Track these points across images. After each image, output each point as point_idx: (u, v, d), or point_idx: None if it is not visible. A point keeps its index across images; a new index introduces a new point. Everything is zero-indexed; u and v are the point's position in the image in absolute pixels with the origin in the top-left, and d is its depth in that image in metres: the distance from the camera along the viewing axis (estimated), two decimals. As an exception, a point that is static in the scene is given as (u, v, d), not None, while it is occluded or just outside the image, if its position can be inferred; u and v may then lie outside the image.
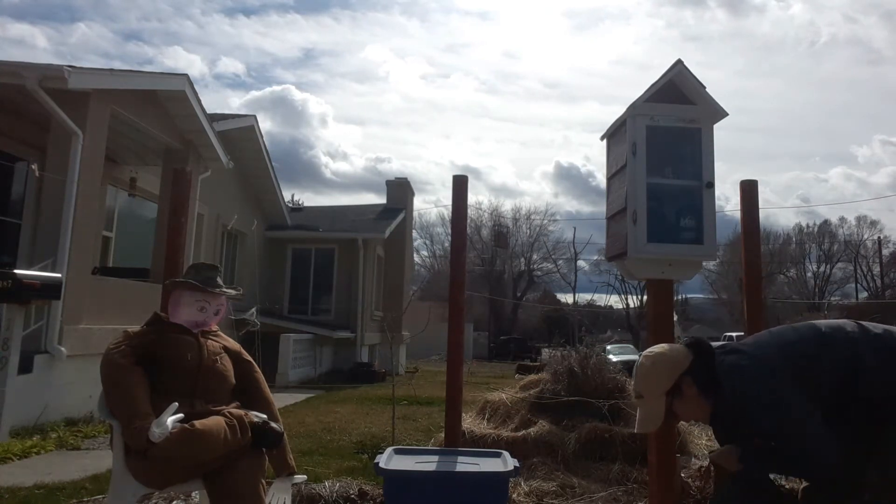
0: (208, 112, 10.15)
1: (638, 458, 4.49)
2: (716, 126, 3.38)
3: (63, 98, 7.05)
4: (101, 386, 2.56)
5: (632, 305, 51.07)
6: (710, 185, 3.28)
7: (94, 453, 5.70)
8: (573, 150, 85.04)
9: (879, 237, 44.48)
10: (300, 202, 25.61)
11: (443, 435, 4.00)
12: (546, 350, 24.81)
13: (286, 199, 17.61)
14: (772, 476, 2.42)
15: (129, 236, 11.28)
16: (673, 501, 3.32)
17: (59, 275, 6.65)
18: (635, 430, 2.37)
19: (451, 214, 4.04)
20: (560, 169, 79.44)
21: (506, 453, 2.60)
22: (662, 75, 3.36)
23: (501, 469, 2.43)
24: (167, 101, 9.27)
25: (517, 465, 2.42)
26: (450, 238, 4.09)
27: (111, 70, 7.76)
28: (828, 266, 50.05)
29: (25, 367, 6.48)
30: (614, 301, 52.22)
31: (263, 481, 2.57)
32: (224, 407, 2.60)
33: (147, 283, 8.91)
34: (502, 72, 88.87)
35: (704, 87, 3.35)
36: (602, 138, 3.73)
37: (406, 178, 20.22)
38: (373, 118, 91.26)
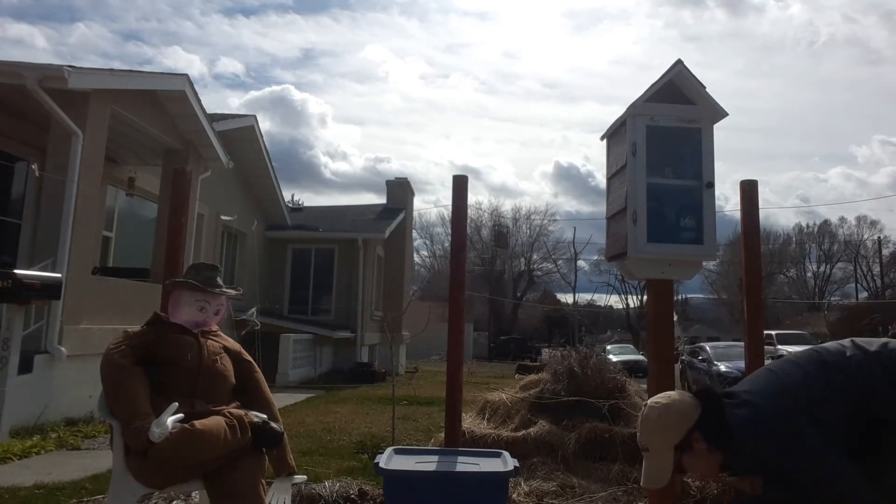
0: (208, 112, 10.15)
1: (638, 459, 4.46)
2: (715, 126, 3.38)
3: (63, 98, 7.04)
4: (101, 386, 2.56)
5: (632, 305, 51.12)
6: (710, 185, 3.28)
7: (94, 453, 5.70)
8: (573, 150, 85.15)
9: (879, 237, 44.48)
10: (300, 202, 25.65)
11: (443, 435, 4.00)
12: (546, 350, 24.79)
13: (286, 199, 17.61)
14: None
15: (129, 236, 11.28)
16: (673, 501, 3.32)
17: (59, 275, 6.65)
18: (642, 484, 2.24)
19: (451, 214, 4.04)
20: (559, 169, 79.53)
21: (506, 453, 2.60)
22: (662, 75, 3.36)
23: (501, 469, 2.42)
24: (167, 101, 9.27)
25: (517, 465, 2.41)
26: (450, 238, 4.09)
27: (111, 70, 7.76)
28: (828, 266, 50.09)
29: (25, 367, 6.48)
30: (614, 301, 52.29)
31: (263, 481, 2.57)
32: (224, 407, 2.60)
33: (147, 283, 8.91)
34: (502, 72, 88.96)
35: (704, 87, 3.35)
36: (602, 138, 3.73)
37: (406, 178, 20.24)
38: (372, 118, 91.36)
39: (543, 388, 5.32)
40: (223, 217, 13.27)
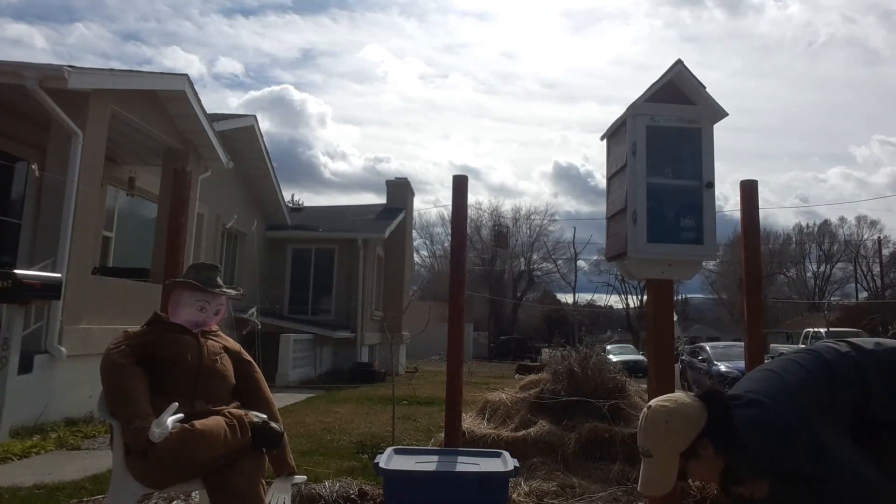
0: (208, 112, 10.15)
1: (638, 458, 4.47)
2: (715, 126, 3.37)
3: (63, 98, 7.04)
4: (101, 386, 2.56)
5: (632, 305, 51.12)
6: (710, 185, 3.28)
7: (94, 453, 5.70)
8: (572, 151, 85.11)
9: (879, 237, 44.51)
10: (300, 202, 25.62)
11: (443, 435, 4.00)
12: (546, 350, 24.79)
13: (286, 199, 17.61)
14: None
15: (129, 236, 11.27)
16: (673, 501, 3.32)
17: (59, 275, 6.65)
18: (639, 490, 2.12)
19: (451, 214, 4.04)
20: (559, 169, 79.51)
21: (506, 453, 2.60)
22: (662, 75, 3.36)
23: (501, 469, 2.42)
24: (167, 101, 9.27)
25: (517, 465, 2.41)
26: (450, 238, 4.09)
27: (111, 70, 7.75)
28: (828, 266, 50.10)
29: (25, 367, 6.48)
30: (614, 301, 52.28)
31: (263, 481, 2.57)
32: (224, 407, 2.60)
33: (147, 283, 8.91)
34: (501, 72, 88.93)
35: (704, 87, 3.35)
36: (602, 138, 3.73)
37: (406, 178, 20.23)
38: (371, 118, 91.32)
39: (543, 388, 5.32)
40: (224, 223, 13.27)
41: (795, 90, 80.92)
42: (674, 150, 3.33)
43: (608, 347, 20.44)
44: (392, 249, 18.61)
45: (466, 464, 2.53)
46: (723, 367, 13.75)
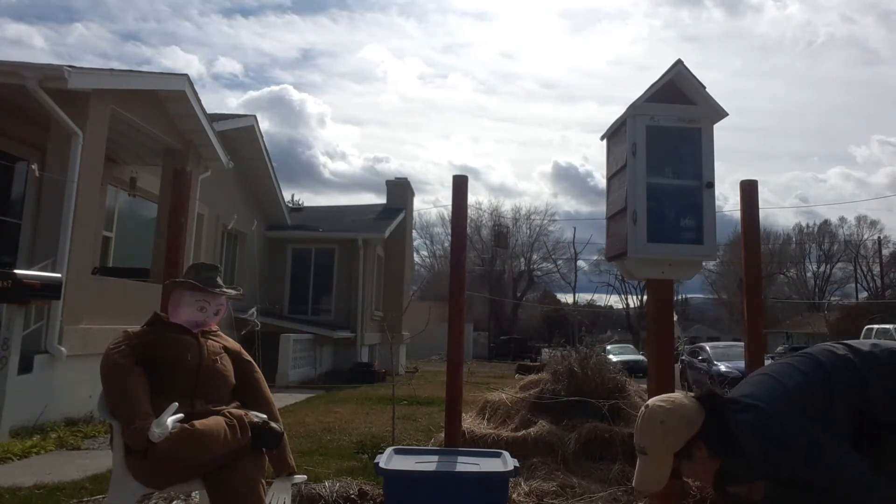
0: (207, 112, 10.15)
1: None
2: (714, 126, 3.37)
3: (63, 98, 7.04)
4: (101, 386, 2.56)
5: (632, 305, 51.13)
6: (710, 185, 3.29)
7: (94, 453, 5.70)
8: (571, 151, 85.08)
9: (879, 237, 44.52)
10: (300, 202, 25.63)
11: (443, 435, 4.00)
12: (546, 350, 24.79)
13: (286, 199, 17.62)
14: None
15: (129, 236, 11.27)
16: (673, 501, 3.32)
17: (59, 275, 6.65)
18: (634, 486, 2.19)
19: (450, 214, 4.04)
20: (558, 169, 79.50)
21: (506, 453, 2.60)
22: (662, 75, 3.36)
23: (501, 469, 2.42)
24: (167, 101, 9.27)
25: (517, 465, 2.41)
26: (450, 238, 4.09)
27: (111, 70, 7.75)
28: (828, 266, 50.10)
29: (25, 367, 6.48)
30: (614, 301, 52.29)
31: (263, 481, 2.57)
32: (224, 407, 2.60)
33: (147, 283, 8.91)
34: (500, 72, 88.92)
35: (704, 87, 3.35)
36: (602, 138, 3.73)
37: (406, 178, 20.23)
38: (371, 118, 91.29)
39: (543, 388, 5.32)
40: (224, 223, 13.27)
41: (795, 90, 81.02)
42: (674, 150, 3.33)
43: (608, 347, 20.45)
44: (392, 249, 18.61)
45: (466, 464, 2.53)
46: (723, 367, 13.75)
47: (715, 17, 79.72)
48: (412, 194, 19.99)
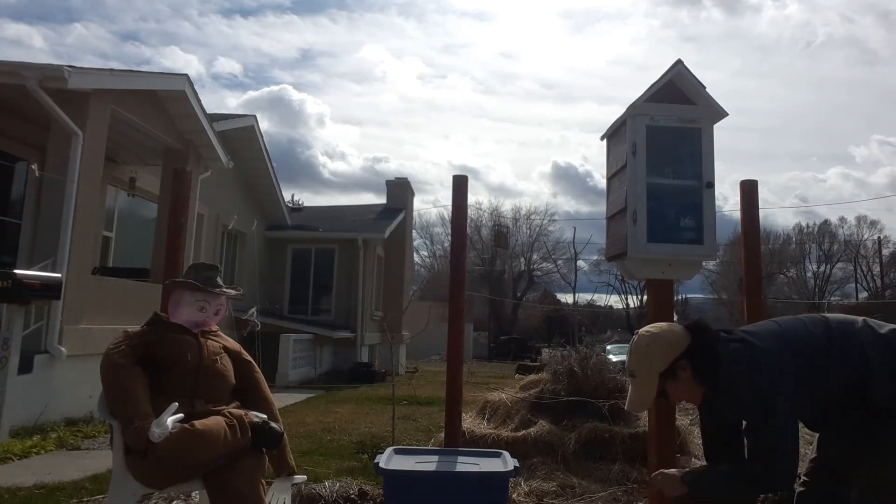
0: (207, 112, 10.15)
1: (638, 458, 4.49)
2: (714, 126, 3.37)
3: (63, 98, 7.04)
4: (101, 386, 2.56)
5: (632, 305, 51.10)
6: (710, 185, 3.28)
7: (94, 453, 5.70)
8: (571, 151, 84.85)
9: (879, 237, 44.51)
10: (300, 202, 25.62)
11: (443, 435, 4.00)
12: (546, 350, 24.78)
13: (286, 199, 17.62)
14: None
15: (129, 236, 11.28)
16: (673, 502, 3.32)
17: (59, 275, 6.65)
18: (625, 408, 2.34)
19: (451, 214, 4.04)
20: (558, 169, 79.28)
21: (506, 453, 2.60)
22: (662, 75, 3.36)
23: (501, 469, 2.42)
24: (167, 101, 9.27)
25: (517, 465, 2.41)
26: (450, 238, 4.09)
27: (111, 70, 7.76)
28: (828, 266, 50.05)
29: (25, 367, 6.48)
30: (614, 301, 52.25)
31: (263, 481, 2.57)
32: (224, 407, 2.60)
33: (147, 283, 8.92)
34: (499, 72, 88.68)
35: (704, 87, 3.35)
36: (602, 138, 3.73)
37: (406, 178, 20.22)
38: (370, 118, 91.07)
39: (543, 388, 5.32)
40: (224, 223, 13.27)
41: (794, 90, 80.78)
42: (674, 150, 3.33)
43: (608, 347, 20.39)
44: (392, 249, 18.61)
45: (466, 464, 2.53)
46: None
47: (714, 17, 79.60)
48: (412, 194, 19.99)
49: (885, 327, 2.14)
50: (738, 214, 3.98)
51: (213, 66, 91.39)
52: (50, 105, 6.96)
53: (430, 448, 3.46)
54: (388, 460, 2.48)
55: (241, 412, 2.60)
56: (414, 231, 25.50)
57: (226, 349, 2.85)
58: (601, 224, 3.84)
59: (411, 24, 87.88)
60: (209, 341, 2.79)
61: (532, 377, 5.83)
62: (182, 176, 4.02)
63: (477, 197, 70.32)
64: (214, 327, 2.90)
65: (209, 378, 2.67)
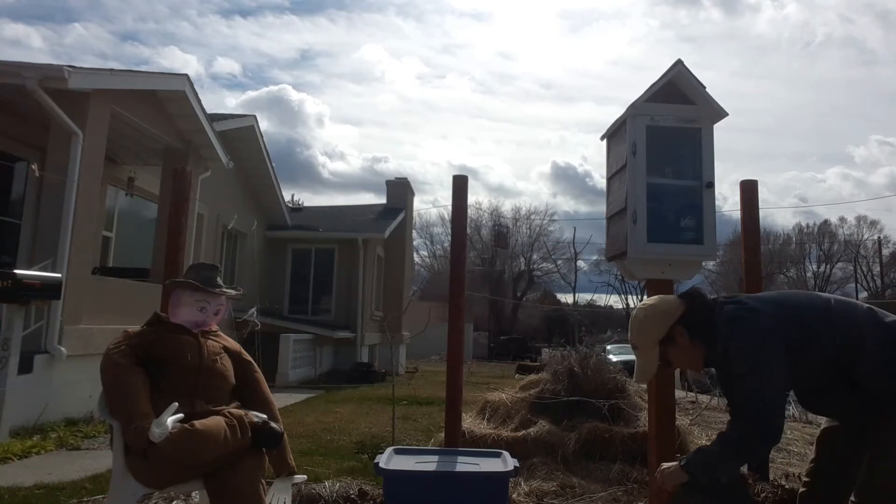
0: (207, 112, 10.15)
1: (638, 458, 4.49)
2: (714, 126, 3.38)
3: (63, 98, 7.04)
4: (101, 386, 2.56)
5: (632, 305, 51.06)
6: (710, 185, 3.29)
7: (94, 453, 5.70)
8: (570, 151, 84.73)
9: (879, 237, 44.51)
10: (300, 202, 25.55)
11: (443, 435, 4.00)
12: (546, 350, 24.79)
13: (286, 199, 17.62)
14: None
15: (129, 236, 11.27)
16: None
17: (59, 275, 6.65)
18: (633, 381, 2.47)
19: (450, 214, 4.04)
20: (557, 169, 79.15)
21: (506, 453, 2.60)
22: (662, 75, 3.36)
23: (501, 469, 2.42)
24: (167, 101, 9.27)
25: (517, 465, 2.42)
26: (450, 238, 4.09)
27: (111, 70, 7.76)
28: (828, 266, 50.05)
29: (25, 367, 6.48)
30: (614, 301, 52.24)
31: (263, 481, 2.57)
32: (224, 407, 2.60)
33: (147, 283, 8.91)
34: (498, 72, 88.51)
35: (704, 87, 3.36)
36: (602, 138, 3.73)
37: (406, 178, 20.20)
38: (369, 118, 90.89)
39: (543, 388, 5.32)
40: (224, 223, 13.27)
41: (793, 90, 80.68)
42: (674, 150, 3.33)
43: (608, 347, 20.43)
44: (392, 249, 18.61)
45: (466, 464, 2.53)
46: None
47: (713, 17, 79.51)
48: (412, 194, 19.98)
49: (890, 317, 2.19)
50: (737, 214, 3.98)
51: (213, 67, 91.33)
52: (50, 105, 6.95)
53: (430, 448, 3.47)
54: (388, 460, 2.48)
55: (242, 412, 2.60)
56: (414, 231, 25.52)
57: (226, 349, 2.85)
58: (601, 224, 3.85)
59: (410, 25, 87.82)
60: (209, 341, 2.79)
61: (532, 377, 5.83)
62: (182, 176, 4.03)
63: (477, 197, 70.25)
64: (214, 327, 2.90)
65: (209, 378, 2.67)
